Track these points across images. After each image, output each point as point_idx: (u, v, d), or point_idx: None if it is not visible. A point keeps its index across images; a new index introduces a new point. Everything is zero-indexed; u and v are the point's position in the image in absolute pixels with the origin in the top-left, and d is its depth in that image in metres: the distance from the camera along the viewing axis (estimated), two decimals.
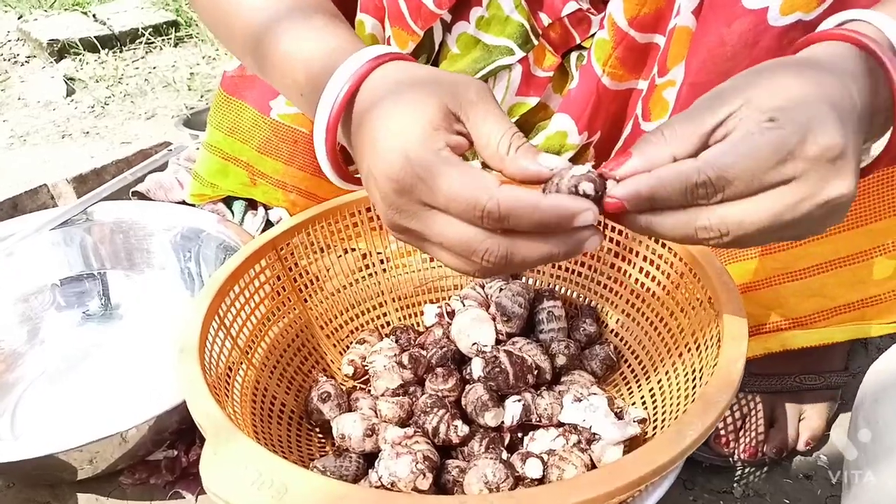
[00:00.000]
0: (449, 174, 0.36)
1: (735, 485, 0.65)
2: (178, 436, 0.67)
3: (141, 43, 1.91)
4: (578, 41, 0.65)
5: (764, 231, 0.35)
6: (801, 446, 0.65)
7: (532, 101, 0.67)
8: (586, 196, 0.37)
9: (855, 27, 0.40)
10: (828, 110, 0.34)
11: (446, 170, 0.37)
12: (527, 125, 0.69)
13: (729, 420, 0.65)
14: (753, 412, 0.65)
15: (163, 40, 1.94)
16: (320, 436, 0.60)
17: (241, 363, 0.56)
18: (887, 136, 0.42)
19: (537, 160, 0.38)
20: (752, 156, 0.34)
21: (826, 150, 0.34)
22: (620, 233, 0.62)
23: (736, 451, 0.64)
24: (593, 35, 0.64)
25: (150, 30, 1.94)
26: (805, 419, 0.66)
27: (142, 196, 0.95)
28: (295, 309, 0.64)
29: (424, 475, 0.49)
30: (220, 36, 0.60)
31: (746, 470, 0.65)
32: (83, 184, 1.04)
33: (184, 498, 0.65)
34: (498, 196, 0.35)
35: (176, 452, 0.67)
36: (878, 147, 0.44)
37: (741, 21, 0.51)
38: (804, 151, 0.34)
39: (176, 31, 1.98)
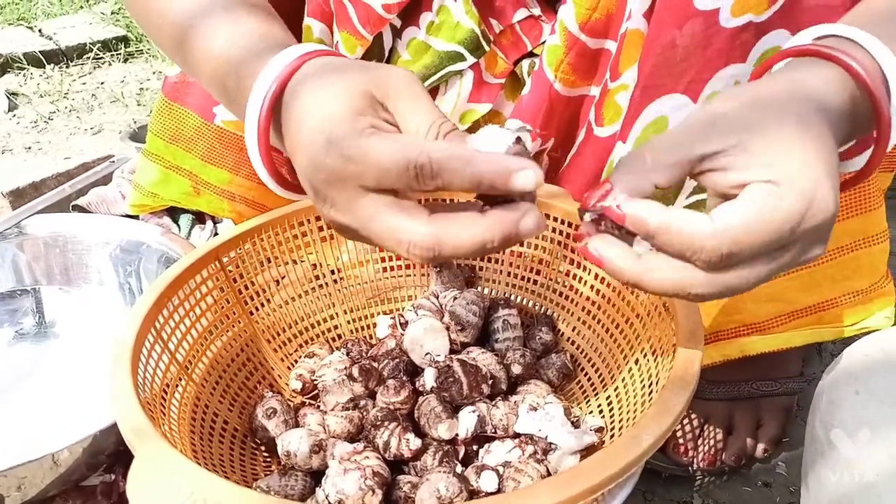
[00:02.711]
0: (375, 144, 0.35)
1: (695, 494, 0.64)
2: (115, 458, 0.63)
3: (89, 58, 1.86)
4: (530, 48, 0.65)
5: (749, 289, 0.36)
6: (759, 453, 0.65)
7: (484, 108, 0.66)
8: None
9: (846, 48, 0.39)
10: (824, 175, 0.34)
11: (372, 141, 0.35)
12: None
13: (687, 429, 0.64)
14: (711, 420, 0.65)
15: (112, 56, 1.90)
16: (266, 454, 0.57)
17: (180, 379, 0.53)
18: (868, 152, 0.42)
19: (466, 143, 0.36)
20: (765, 231, 0.34)
21: (825, 222, 0.34)
22: (574, 239, 0.61)
23: (695, 460, 0.63)
24: (545, 42, 0.63)
25: (99, 45, 1.89)
26: (763, 426, 0.66)
27: (83, 210, 0.91)
28: (240, 322, 0.61)
29: (374, 492, 0.46)
30: (151, 36, 0.58)
31: (706, 479, 0.65)
32: (20, 198, 0.99)
33: None
34: (429, 150, 0.34)
35: (113, 477, 0.64)
36: (855, 162, 0.44)
37: (693, 22, 0.51)
38: (807, 222, 0.34)
39: (126, 47, 1.94)
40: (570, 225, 0.61)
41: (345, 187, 0.36)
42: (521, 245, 0.65)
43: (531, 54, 0.66)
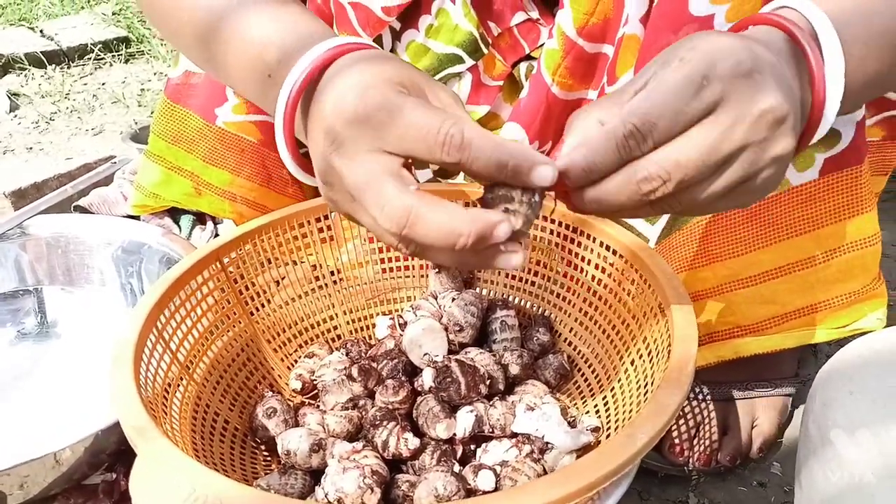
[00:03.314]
0: (412, 102, 0.35)
1: (690, 494, 0.64)
2: (116, 458, 0.64)
3: (90, 59, 1.87)
4: (528, 51, 0.66)
5: (706, 169, 0.35)
6: (754, 453, 0.65)
7: (482, 110, 0.66)
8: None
9: (783, 13, 0.40)
10: (733, 39, 0.34)
11: (409, 100, 0.35)
12: None
13: (683, 429, 0.65)
14: (706, 421, 0.65)
15: (113, 56, 1.90)
16: (266, 453, 0.58)
17: (182, 378, 0.54)
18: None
19: None
20: (668, 91, 0.34)
21: (738, 63, 0.34)
22: (573, 241, 0.62)
23: (690, 460, 0.64)
24: (543, 45, 0.64)
25: (100, 46, 1.90)
26: (757, 426, 0.66)
27: (84, 210, 0.92)
28: (240, 322, 0.62)
29: (372, 490, 0.47)
30: (167, 29, 0.58)
31: (701, 479, 0.65)
32: (22, 198, 1.00)
33: None
34: (465, 123, 0.34)
35: (115, 475, 0.64)
36: None
37: (688, 28, 0.52)
38: (716, 72, 0.34)
39: (127, 48, 1.94)
40: (567, 227, 0.62)
41: (362, 136, 0.36)
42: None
43: (529, 57, 0.66)
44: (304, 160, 0.46)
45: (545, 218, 0.62)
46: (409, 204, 0.35)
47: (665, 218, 0.60)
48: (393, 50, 0.66)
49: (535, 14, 0.65)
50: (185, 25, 0.55)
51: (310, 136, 0.40)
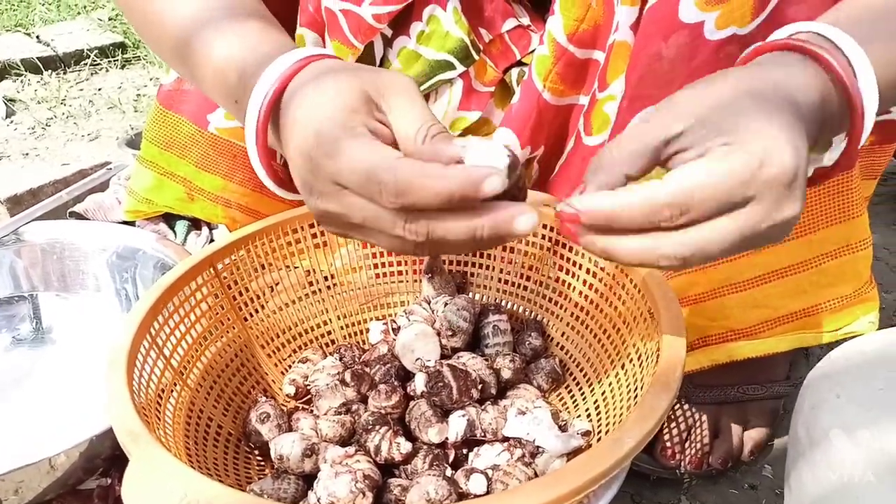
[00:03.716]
0: (350, 147, 0.36)
1: (682, 496, 0.65)
2: (111, 463, 0.64)
3: (86, 64, 1.87)
4: (519, 57, 0.66)
5: (722, 255, 0.36)
6: (745, 456, 0.66)
7: (474, 116, 0.67)
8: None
9: (802, 38, 0.40)
10: (780, 131, 0.35)
11: (349, 143, 0.36)
12: None
13: (675, 432, 0.65)
14: (698, 424, 0.65)
15: (109, 62, 1.91)
16: (259, 458, 0.58)
17: (175, 384, 0.54)
18: (843, 144, 0.42)
19: (452, 145, 0.37)
20: (717, 178, 0.34)
21: (781, 174, 0.35)
22: (565, 246, 0.62)
23: (682, 463, 0.64)
24: (534, 51, 0.64)
25: (96, 51, 1.90)
26: (749, 429, 0.66)
27: (79, 216, 0.92)
28: (234, 328, 0.62)
29: (364, 494, 0.47)
30: (150, 41, 0.59)
31: (693, 482, 0.65)
32: (18, 204, 1.00)
33: None
34: (396, 166, 0.34)
35: (109, 481, 0.64)
36: (830, 156, 0.44)
37: (678, 35, 0.52)
38: (762, 175, 0.34)
39: (123, 53, 1.95)
40: (559, 232, 0.62)
41: (326, 180, 0.37)
42: (512, 251, 0.66)
43: (520, 63, 0.67)
44: (281, 173, 0.48)
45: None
46: (420, 221, 0.35)
47: None
48: (384, 56, 0.67)
49: (526, 20, 0.65)
50: (161, 42, 0.56)
51: (292, 171, 0.41)
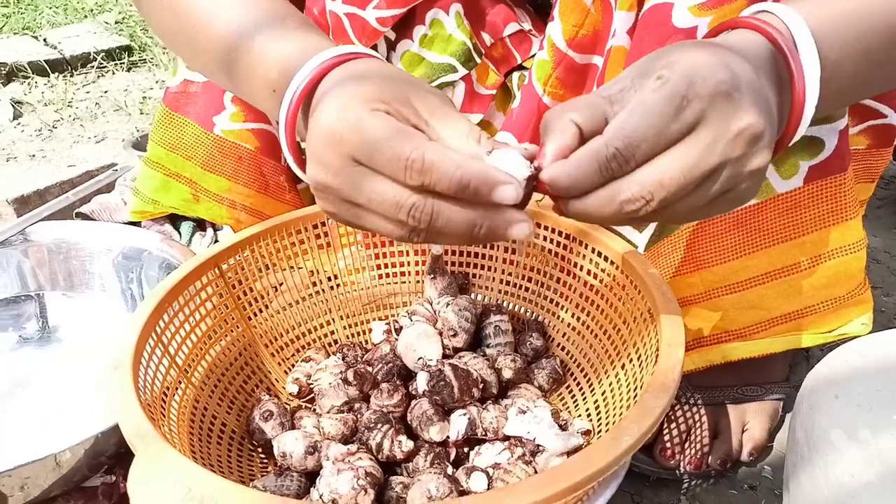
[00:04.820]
0: (377, 125, 0.36)
1: (682, 497, 0.65)
2: (116, 460, 0.64)
3: (93, 67, 1.89)
4: (520, 61, 0.67)
5: (687, 187, 0.36)
6: (744, 457, 0.66)
7: (475, 118, 0.68)
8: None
9: (762, 17, 0.41)
10: (711, 56, 0.35)
11: (376, 121, 0.37)
12: None
13: (675, 433, 0.66)
14: (697, 424, 0.66)
15: (115, 65, 1.92)
16: (262, 456, 0.59)
17: (180, 382, 0.55)
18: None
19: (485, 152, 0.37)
20: (649, 112, 0.35)
21: (717, 84, 0.35)
22: (565, 247, 0.63)
23: (681, 464, 0.64)
24: (534, 55, 0.65)
25: (103, 54, 1.91)
26: (748, 430, 0.67)
27: (86, 217, 0.93)
28: (238, 327, 0.63)
29: (366, 491, 0.48)
30: (183, 49, 0.60)
31: (692, 482, 0.66)
32: (25, 205, 1.01)
33: None
34: (424, 148, 0.35)
35: (114, 478, 0.65)
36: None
37: (672, 40, 0.53)
38: (696, 91, 0.35)
39: (129, 56, 1.96)
40: (560, 234, 0.63)
41: (344, 155, 0.38)
42: (514, 252, 0.66)
43: (521, 67, 0.68)
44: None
45: (538, 225, 0.63)
46: (426, 201, 0.36)
47: (653, 225, 0.61)
48: (388, 59, 0.68)
49: (527, 25, 0.66)
50: (205, 53, 0.57)
51: (308, 155, 0.42)
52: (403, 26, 0.65)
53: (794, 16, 0.41)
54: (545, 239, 0.64)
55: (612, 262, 0.58)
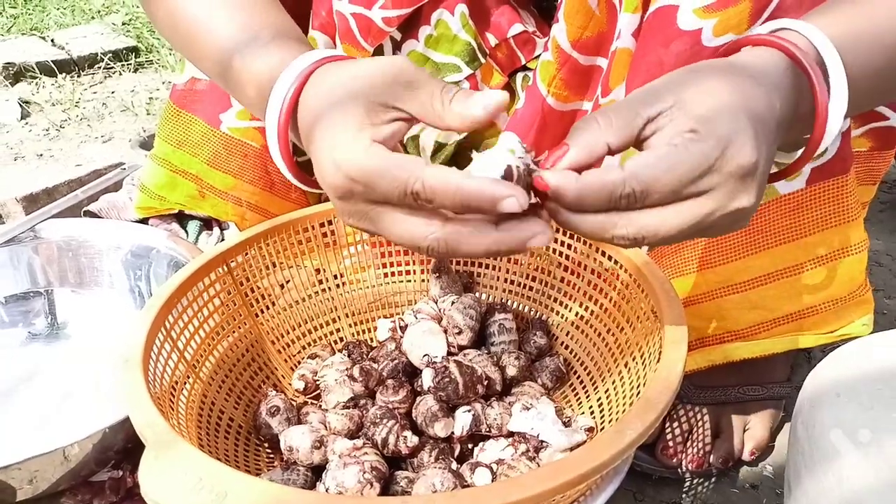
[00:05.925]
0: (376, 169, 0.37)
1: (684, 495, 0.65)
2: (123, 455, 0.65)
3: (100, 68, 1.90)
4: (524, 62, 0.67)
5: (677, 238, 0.38)
6: (746, 456, 0.67)
7: None
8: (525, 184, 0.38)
9: (785, 35, 0.42)
10: (747, 125, 0.36)
11: (373, 165, 0.38)
12: (474, 141, 0.70)
13: (676, 432, 0.66)
14: (699, 424, 0.66)
15: (122, 66, 1.93)
16: (269, 451, 0.59)
17: (188, 377, 0.56)
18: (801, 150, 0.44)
19: (470, 106, 0.39)
20: (674, 168, 0.36)
21: (740, 168, 0.36)
22: (570, 247, 0.64)
23: (683, 463, 0.65)
24: (538, 56, 0.66)
25: (110, 55, 1.92)
26: (750, 430, 0.67)
27: (94, 215, 0.94)
28: (245, 323, 0.64)
29: (372, 485, 0.48)
30: (184, 54, 0.61)
31: (694, 481, 0.66)
32: (33, 203, 1.02)
33: None
34: (423, 176, 0.36)
35: (121, 473, 0.65)
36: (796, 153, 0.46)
37: (677, 42, 0.53)
38: (721, 167, 0.36)
39: (136, 57, 1.97)
40: (566, 233, 0.63)
41: (357, 201, 0.39)
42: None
43: (525, 68, 0.68)
44: (301, 170, 0.49)
45: None
46: (440, 239, 0.38)
47: None
48: None
49: (531, 26, 0.67)
50: (200, 62, 0.58)
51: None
52: (409, 26, 0.66)
53: (819, 34, 0.41)
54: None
55: (616, 262, 0.59)
